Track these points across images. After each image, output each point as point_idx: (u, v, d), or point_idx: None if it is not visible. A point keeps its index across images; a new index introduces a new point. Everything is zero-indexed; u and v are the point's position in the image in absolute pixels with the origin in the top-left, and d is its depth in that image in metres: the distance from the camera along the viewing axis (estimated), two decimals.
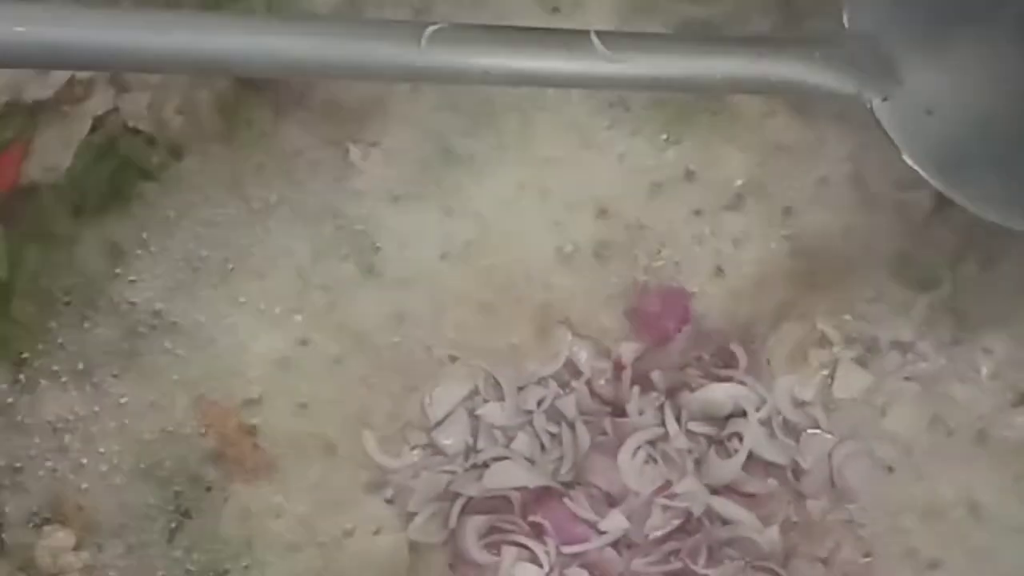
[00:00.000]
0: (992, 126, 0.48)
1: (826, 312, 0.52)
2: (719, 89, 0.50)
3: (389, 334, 0.51)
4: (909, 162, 0.46)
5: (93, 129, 0.54)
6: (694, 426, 0.51)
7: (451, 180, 0.53)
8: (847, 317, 0.52)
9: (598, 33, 0.43)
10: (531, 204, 0.53)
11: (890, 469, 0.51)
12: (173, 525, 0.49)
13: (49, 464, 0.49)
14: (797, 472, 0.50)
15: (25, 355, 0.51)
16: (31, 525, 0.49)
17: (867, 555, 0.50)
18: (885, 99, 0.46)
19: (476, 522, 0.49)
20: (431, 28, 0.41)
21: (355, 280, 0.51)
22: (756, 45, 0.48)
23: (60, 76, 0.52)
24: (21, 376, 0.51)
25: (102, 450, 0.49)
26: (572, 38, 0.44)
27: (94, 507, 0.49)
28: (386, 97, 0.53)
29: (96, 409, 0.50)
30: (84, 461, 0.49)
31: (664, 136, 0.53)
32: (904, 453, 0.51)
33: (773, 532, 0.49)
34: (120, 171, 0.54)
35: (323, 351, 0.50)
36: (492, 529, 0.49)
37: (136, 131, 0.53)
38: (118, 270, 0.52)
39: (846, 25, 0.48)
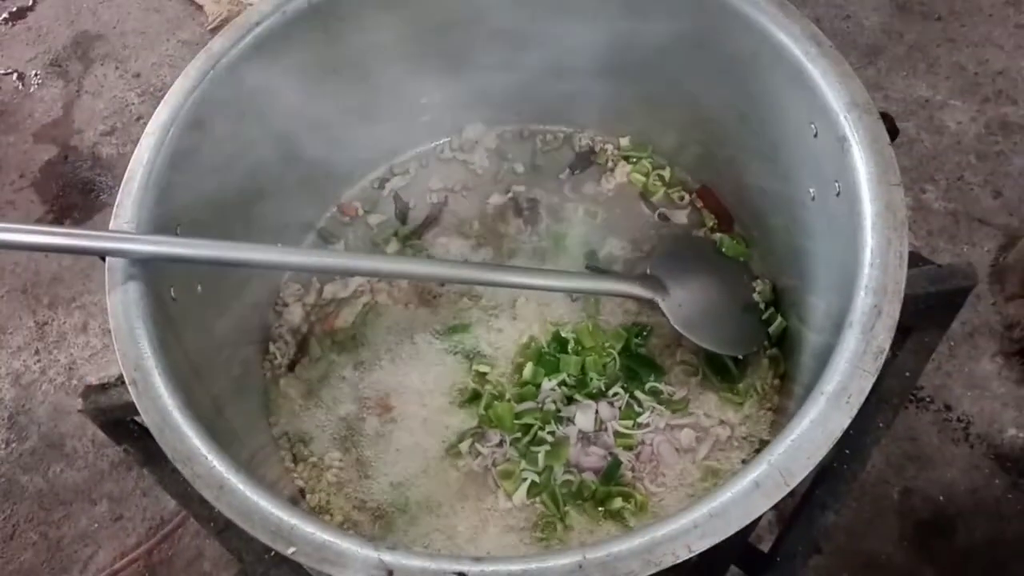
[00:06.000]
0: (707, 311, 0.98)
1: None
2: (597, 293, 1.01)
3: None
4: (675, 326, 0.96)
5: (364, 306, 1.05)
6: None
7: None
8: None
9: (536, 270, 0.98)
10: None
11: None
12: None
13: None
14: None
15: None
16: None
17: None
18: (663, 300, 0.96)
19: None
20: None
21: None
22: (613, 276, 1.04)
23: (352, 286, 1.06)
24: None
25: None
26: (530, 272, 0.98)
27: None
28: None
29: None
30: None
31: None
32: None
33: None
34: (364, 321, 1.06)
35: None
36: None
37: (381, 305, 1.06)
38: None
39: (648, 272, 1.00)
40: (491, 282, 0.95)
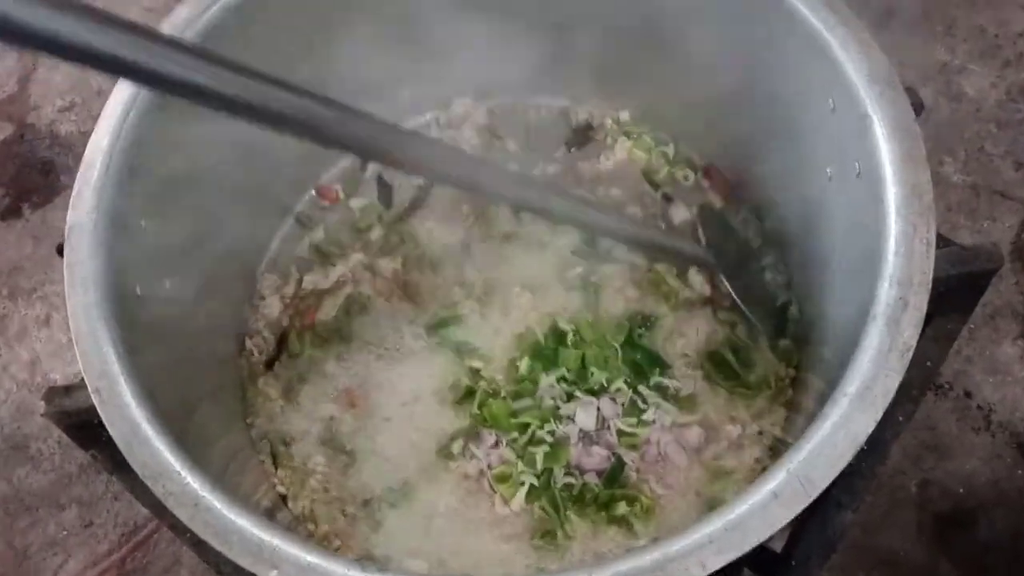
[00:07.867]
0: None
1: None
2: (665, 249, 1.01)
3: None
4: (735, 297, 0.97)
5: (347, 298, 1.03)
6: None
7: None
8: None
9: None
10: None
11: None
12: None
13: None
14: None
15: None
16: None
17: None
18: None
19: None
20: None
21: None
22: (684, 240, 1.03)
23: (334, 276, 1.03)
24: None
25: None
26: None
27: None
28: None
29: None
30: None
31: None
32: None
33: None
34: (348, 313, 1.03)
35: None
36: None
37: (365, 296, 1.03)
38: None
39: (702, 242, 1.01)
40: (552, 212, 0.91)
